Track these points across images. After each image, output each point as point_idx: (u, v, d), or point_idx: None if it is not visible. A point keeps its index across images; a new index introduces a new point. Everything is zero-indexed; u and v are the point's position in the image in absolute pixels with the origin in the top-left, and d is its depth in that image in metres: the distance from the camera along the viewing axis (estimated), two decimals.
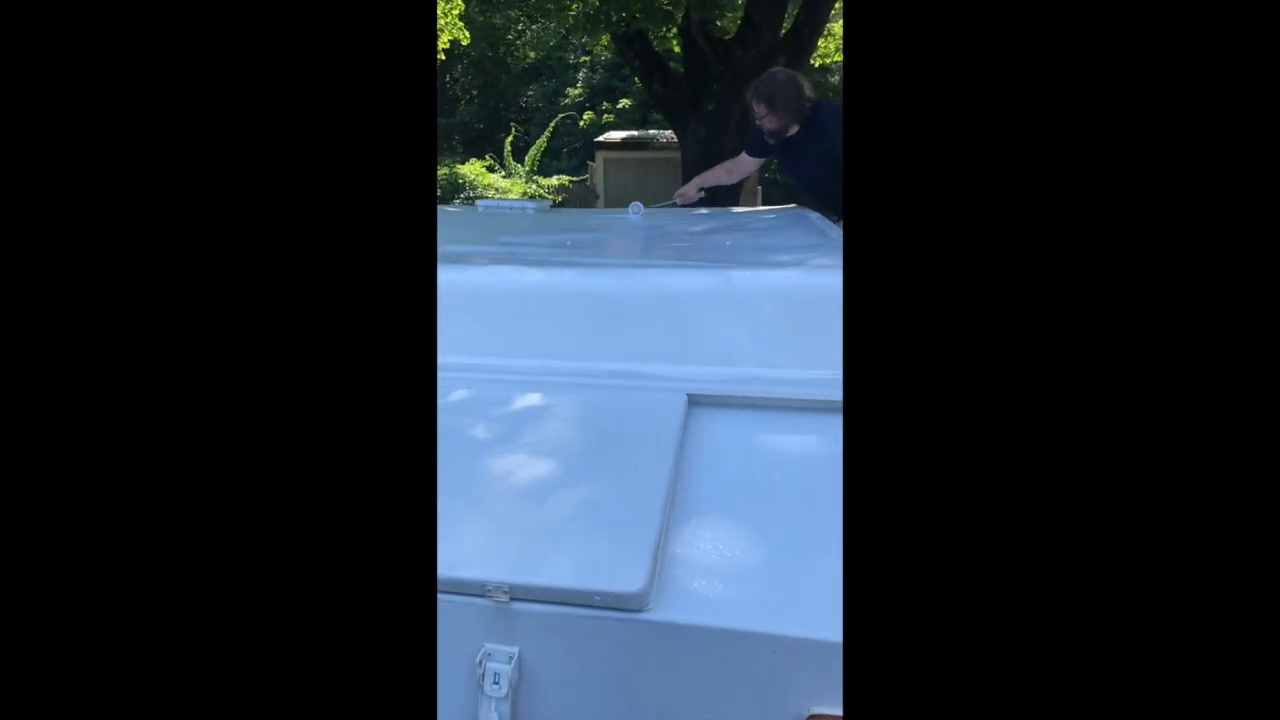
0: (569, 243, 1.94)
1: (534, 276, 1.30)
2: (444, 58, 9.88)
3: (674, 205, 3.05)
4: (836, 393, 1.20)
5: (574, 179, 10.48)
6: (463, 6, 9.00)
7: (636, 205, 2.58)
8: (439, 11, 9.16)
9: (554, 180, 10.07)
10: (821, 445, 1.15)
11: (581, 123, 14.11)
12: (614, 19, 6.30)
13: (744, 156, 3.04)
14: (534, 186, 9.61)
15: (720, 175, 3.13)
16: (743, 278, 1.24)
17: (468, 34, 9.18)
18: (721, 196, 6.89)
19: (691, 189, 3.05)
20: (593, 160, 10.55)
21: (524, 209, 3.21)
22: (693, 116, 7.11)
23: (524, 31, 18.24)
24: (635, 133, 10.59)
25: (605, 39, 7.78)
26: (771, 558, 0.87)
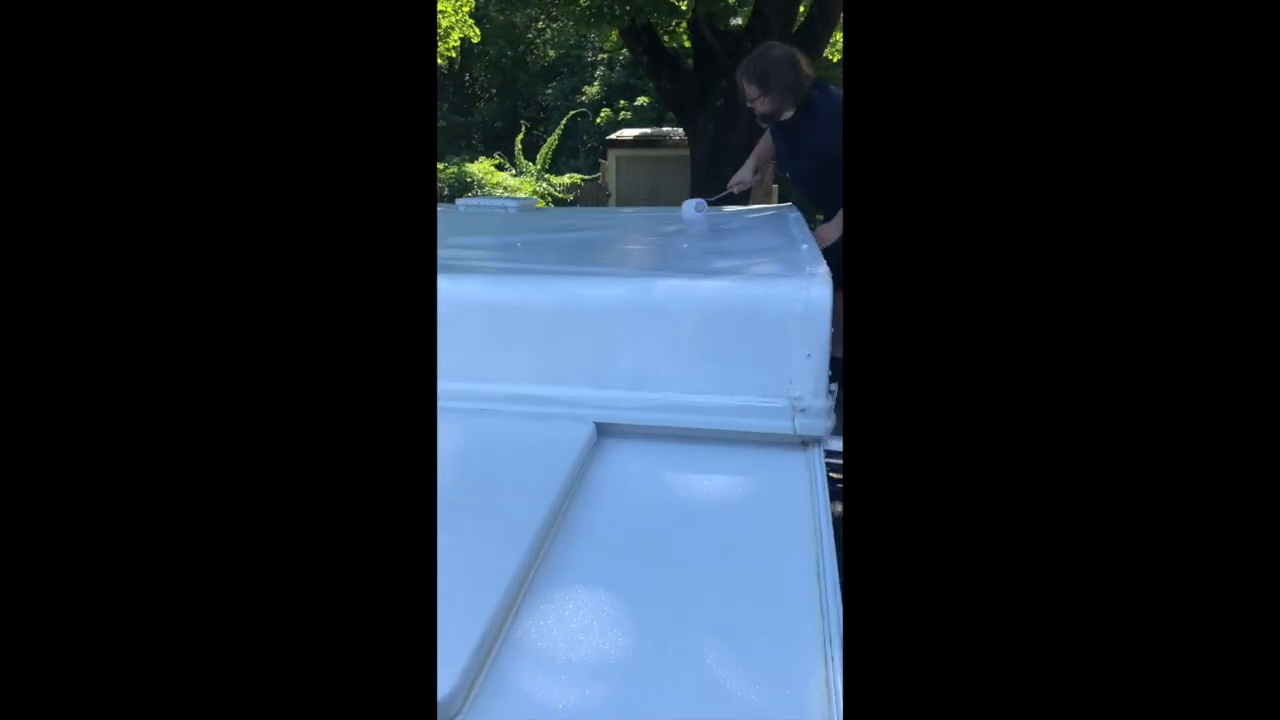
0: (519, 244, 1.78)
1: None
2: (455, 55, 9.79)
3: (730, 193, 2.86)
4: (769, 424, 1.03)
5: (586, 177, 10.31)
6: (472, 3, 8.89)
7: (699, 202, 2.33)
8: (449, 9, 9.08)
9: (566, 179, 9.92)
10: (750, 488, 0.97)
11: (598, 120, 13.97)
12: (618, 13, 6.13)
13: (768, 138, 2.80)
14: (545, 185, 9.47)
15: (767, 151, 2.90)
16: (668, 288, 1.06)
17: (478, 31, 9.07)
18: (737, 196, 6.69)
19: (746, 172, 2.83)
20: (605, 158, 10.39)
21: (504, 207, 3.07)
22: (701, 112, 6.91)
23: (544, 30, 18.18)
24: (648, 130, 10.39)
25: (615, 34, 7.61)
26: (652, 645, 0.69)
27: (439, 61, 9.66)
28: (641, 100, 13.92)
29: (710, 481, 0.97)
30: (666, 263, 1.32)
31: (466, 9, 9.20)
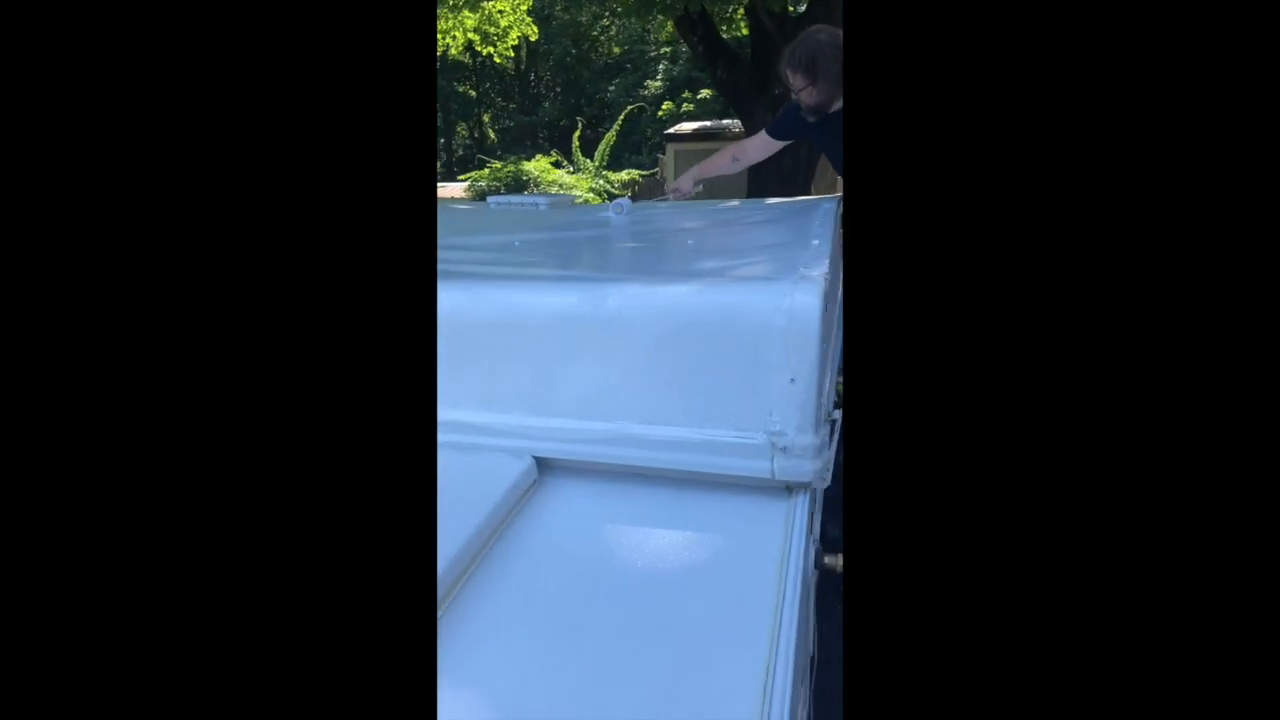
0: (518, 243, 1.63)
1: None
2: (513, 54, 9.78)
3: (665, 200, 2.63)
4: (741, 464, 0.83)
5: (644, 173, 10.14)
6: (530, 1, 8.85)
7: (621, 203, 2.20)
8: (508, 8, 9.08)
9: (624, 175, 9.77)
10: (710, 544, 0.78)
11: (660, 113, 13.80)
12: (670, 0, 5.93)
13: (760, 137, 2.55)
14: (602, 181, 9.35)
15: (722, 164, 2.64)
16: (624, 295, 0.88)
17: (536, 29, 9.03)
18: (789, 188, 6.38)
19: (687, 181, 2.61)
20: (663, 153, 10.20)
21: (535, 204, 2.97)
22: (760, 102, 6.62)
23: (609, 26, 18.17)
24: (708, 123, 10.14)
25: (669, 25, 7.41)
26: None
27: (499, 61, 9.71)
28: (705, 93, 13.67)
29: (663, 536, 0.79)
30: (638, 265, 1.13)
31: (525, 7, 9.18)
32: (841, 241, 1.61)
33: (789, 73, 2.29)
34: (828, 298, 0.91)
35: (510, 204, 3.10)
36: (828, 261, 1.00)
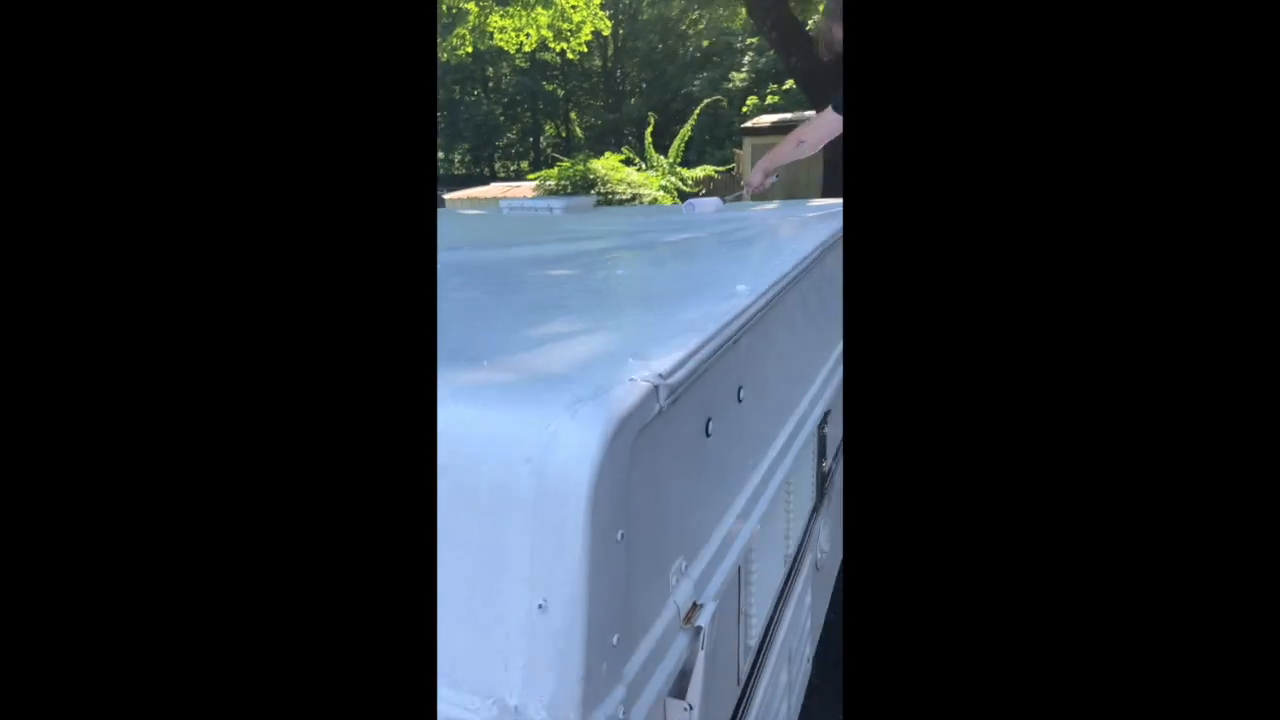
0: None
1: None
2: (585, 50, 9.50)
3: (738, 198, 2.30)
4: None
5: (721, 169, 9.61)
6: None
7: (692, 202, 1.96)
8: (580, 3, 8.82)
9: (698, 172, 9.29)
10: None
11: (745, 108, 13.24)
12: None
13: (825, 113, 2.12)
14: (674, 179, 8.92)
15: (787, 151, 2.23)
16: None
17: (608, 23, 8.72)
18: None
19: (757, 175, 2.26)
20: (739, 148, 9.66)
21: (550, 209, 2.68)
22: (836, 90, 6.06)
23: (698, 20, 17.73)
24: (787, 116, 9.51)
25: (743, 12, 6.91)
26: None
27: (571, 57, 9.47)
28: (790, 84, 13.00)
29: None
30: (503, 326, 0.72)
31: (597, 2, 8.87)
32: (820, 263, 1.16)
33: (831, 26, 1.95)
34: (669, 418, 0.50)
35: (523, 208, 2.80)
36: (705, 337, 0.58)
